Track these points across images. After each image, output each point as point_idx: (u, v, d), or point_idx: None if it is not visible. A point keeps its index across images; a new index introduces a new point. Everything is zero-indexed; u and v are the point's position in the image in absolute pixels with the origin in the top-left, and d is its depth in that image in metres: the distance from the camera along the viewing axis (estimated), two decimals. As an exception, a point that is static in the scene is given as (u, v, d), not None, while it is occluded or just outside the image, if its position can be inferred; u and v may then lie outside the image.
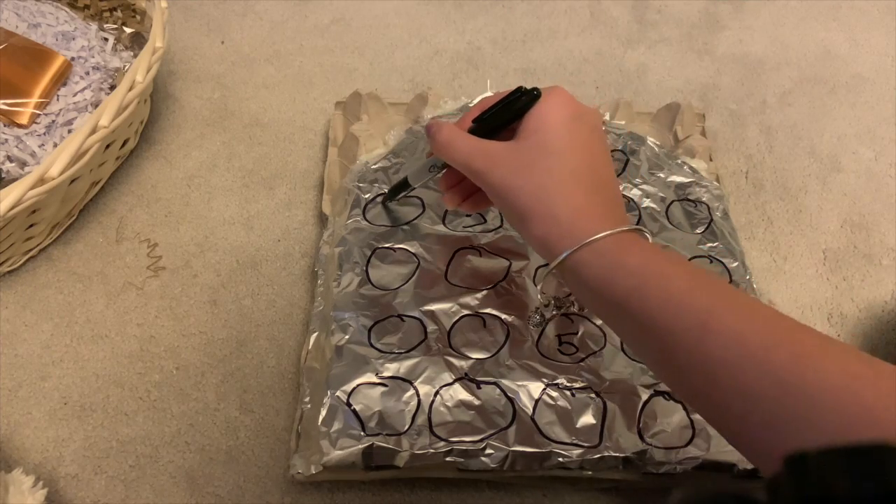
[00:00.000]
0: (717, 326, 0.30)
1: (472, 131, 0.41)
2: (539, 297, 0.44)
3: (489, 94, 0.60)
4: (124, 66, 0.56)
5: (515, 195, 0.37)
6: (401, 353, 0.44)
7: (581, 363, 0.44)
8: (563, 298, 0.44)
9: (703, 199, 0.54)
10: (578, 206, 0.36)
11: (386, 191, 0.52)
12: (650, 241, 0.37)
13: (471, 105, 0.57)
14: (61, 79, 0.53)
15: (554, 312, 0.45)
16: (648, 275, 0.33)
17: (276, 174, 0.59)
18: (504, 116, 0.40)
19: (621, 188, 0.54)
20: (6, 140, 0.50)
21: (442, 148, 0.40)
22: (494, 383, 0.43)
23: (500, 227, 0.51)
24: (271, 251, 0.54)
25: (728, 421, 0.30)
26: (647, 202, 0.53)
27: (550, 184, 0.36)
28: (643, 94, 0.67)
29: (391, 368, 0.43)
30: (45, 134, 0.51)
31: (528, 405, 0.42)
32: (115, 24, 0.59)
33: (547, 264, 0.49)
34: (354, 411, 0.41)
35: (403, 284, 0.47)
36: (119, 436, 0.45)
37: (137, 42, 0.59)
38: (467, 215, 0.52)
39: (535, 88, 0.39)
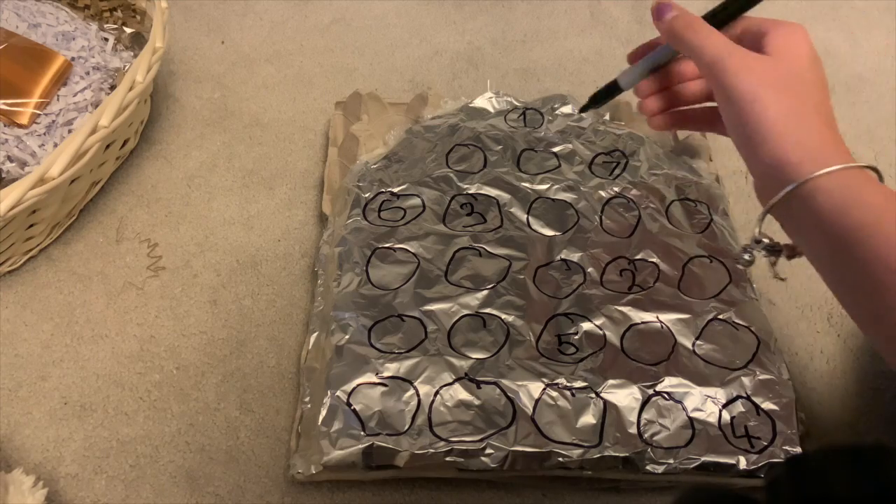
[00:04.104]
0: None
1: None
2: (756, 233, 0.40)
3: (489, 93, 0.61)
4: (124, 66, 0.57)
5: (764, 108, 0.36)
6: (401, 353, 0.44)
7: (581, 363, 0.44)
8: (778, 243, 0.41)
9: (703, 199, 0.54)
10: (824, 136, 0.36)
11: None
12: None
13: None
14: (61, 79, 0.53)
15: (764, 254, 0.41)
16: (886, 211, 0.33)
17: (276, 174, 0.59)
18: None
19: (619, 188, 0.54)
20: (6, 140, 0.50)
21: (685, 35, 0.39)
22: (494, 383, 0.43)
23: (500, 226, 0.51)
24: (271, 251, 0.54)
25: None
26: (647, 202, 0.53)
27: (803, 108, 0.36)
28: (643, 94, 0.67)
29: (391, 368, 0.43)
30: (45, 134, 0.51)
31: (528, 405, 0.42)
32: (115, 24, 0.59)
33: (552, 260, 0.49)
34: (354, 411, 0.41)
35: (403, 284, 0.47)
36: (119, 436, 0.45)
37: (137, 42, 0.59)
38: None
39: None
